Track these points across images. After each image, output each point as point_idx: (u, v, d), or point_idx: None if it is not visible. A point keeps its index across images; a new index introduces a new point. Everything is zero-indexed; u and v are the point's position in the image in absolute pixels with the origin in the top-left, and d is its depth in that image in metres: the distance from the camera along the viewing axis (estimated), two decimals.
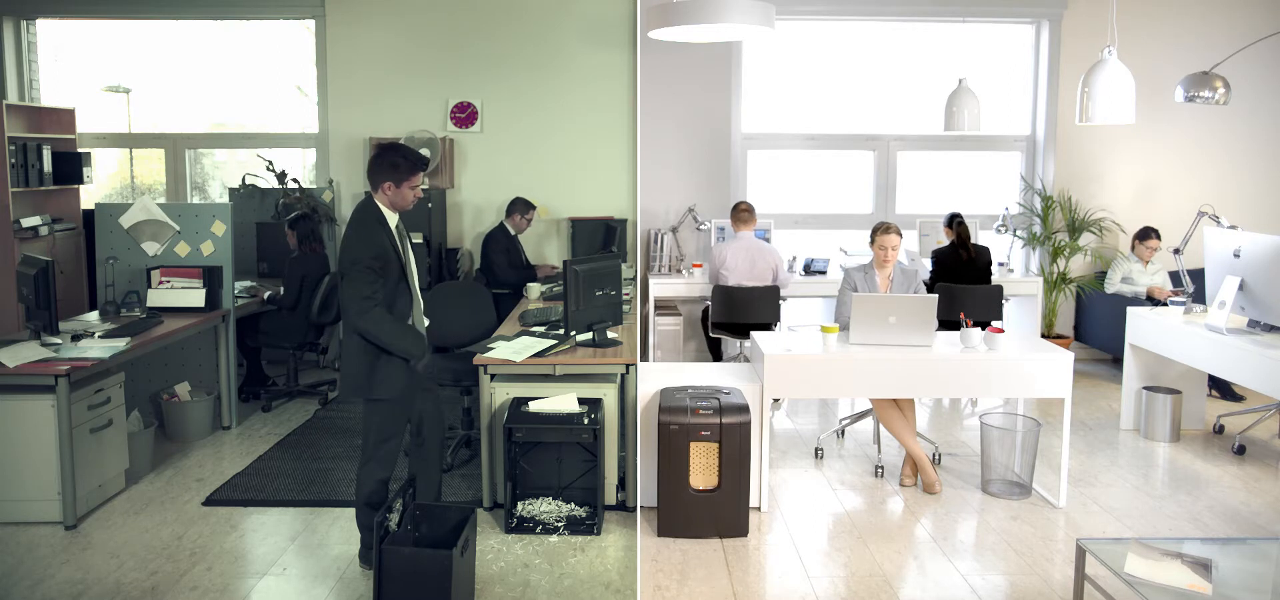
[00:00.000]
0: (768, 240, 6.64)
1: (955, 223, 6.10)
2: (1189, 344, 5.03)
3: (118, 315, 5.19)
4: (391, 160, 3.49)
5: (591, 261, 4.43)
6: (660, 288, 6.79)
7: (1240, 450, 5.15)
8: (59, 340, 4.35)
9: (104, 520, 4.15)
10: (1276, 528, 4.20)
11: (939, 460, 4.98)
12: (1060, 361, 4.32)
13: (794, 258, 6.90)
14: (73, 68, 7.54)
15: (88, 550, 3.85)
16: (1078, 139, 7.34)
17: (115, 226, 5.39)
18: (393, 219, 3.55)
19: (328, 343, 7.06)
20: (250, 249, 6.90)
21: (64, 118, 6.99)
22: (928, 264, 6.33)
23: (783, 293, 6.08)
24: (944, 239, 6.27)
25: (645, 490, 4.27)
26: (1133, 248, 6.75)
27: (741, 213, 6.13)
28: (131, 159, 7.66)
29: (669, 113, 7.28)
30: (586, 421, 3.99)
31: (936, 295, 4.66)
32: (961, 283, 5.94)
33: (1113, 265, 6.84)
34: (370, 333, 3.42)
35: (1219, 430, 5.55)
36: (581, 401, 4.12)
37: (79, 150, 7.01)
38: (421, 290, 3.72)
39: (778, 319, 5.98)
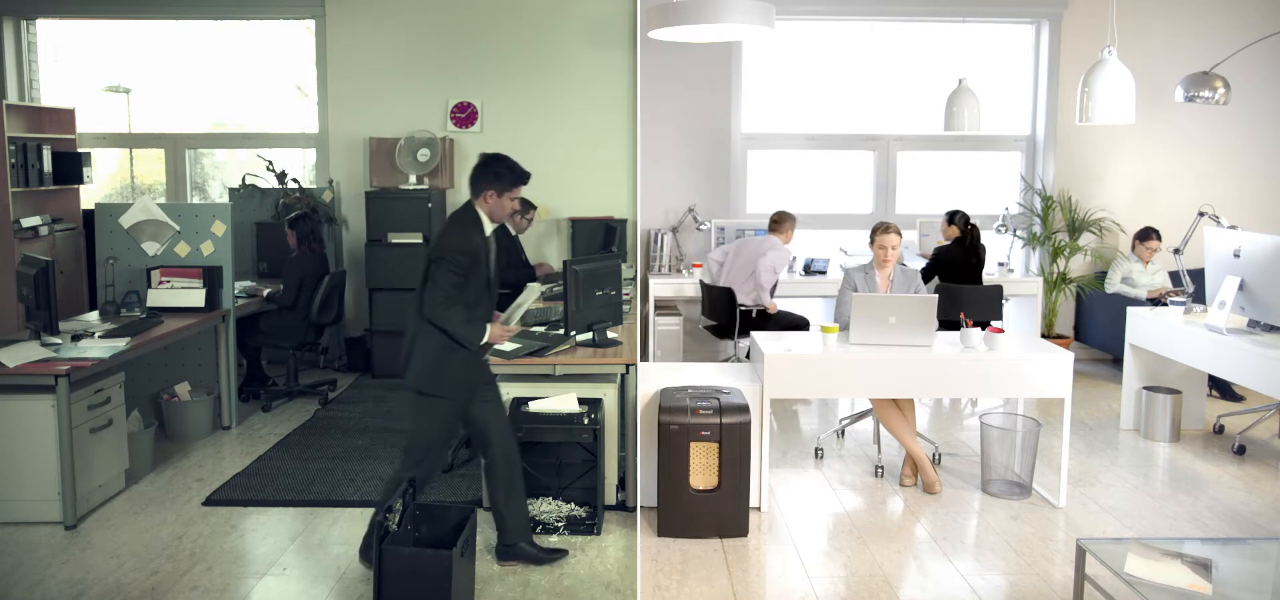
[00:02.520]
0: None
1: (966, 224, 6.08)
2: (1189, 344, 5.03)
3: (118, 315, 5.18)
4: (496, 170, 3.58)
5: (591, 261, 4.43)
6: (660, 288, 6.80)
7: (1240, 450, 5.15)
8: (59, 340, 4.35)
9: (104, 520, 4.15)
10: (1276, 528, 4.20)
11: (939, 460, 4.98)
12: (1060, 361, 4.32)
13: (793, 258, 6.90)
14: (73, 68, 7.54)
15: (88, 550, 3.85)
16: (1078, 139, 7.34)
17: (115, 226, 5.39)
18: (489, 227, 3.65)
19: (328, 343, 7.07)
20: (250, 249, 6.90)
21: (64, 118, 6.99)
22: (922, 262, 6.35)
23: (748, 293, 6.02)
24: (943, 237, 6.26)
25: (645, 490, 4.27)
26: (1133, 248, 6.75)
27: (772, 219, 6.17)
28: (131, 159, 7.66)
29: (669, 113, 7.28)
30: (586, 421, 3.99)
31: (937, 295, 4.66)
32: (961, 282, 5.94)
33: (1113, 265, 6.84)
34: (444, 324, 3.50)
35: (1219, 430, 5.55)
36: (581, 401, 4.12)
37: (79, 150, 7.01)
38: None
39: (732, 322, 5.98)
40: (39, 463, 4.03)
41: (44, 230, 6.61)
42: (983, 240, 6.24)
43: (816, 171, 7.55)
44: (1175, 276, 6.61)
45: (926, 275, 6.08)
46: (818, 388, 4.53)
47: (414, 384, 3.56)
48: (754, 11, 4.86)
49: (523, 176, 3.62)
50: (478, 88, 7.22)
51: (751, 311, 6.01)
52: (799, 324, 6.07)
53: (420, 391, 3.56)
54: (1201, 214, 5.54)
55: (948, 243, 6.15)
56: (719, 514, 3.99)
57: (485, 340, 3.61)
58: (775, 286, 6.21)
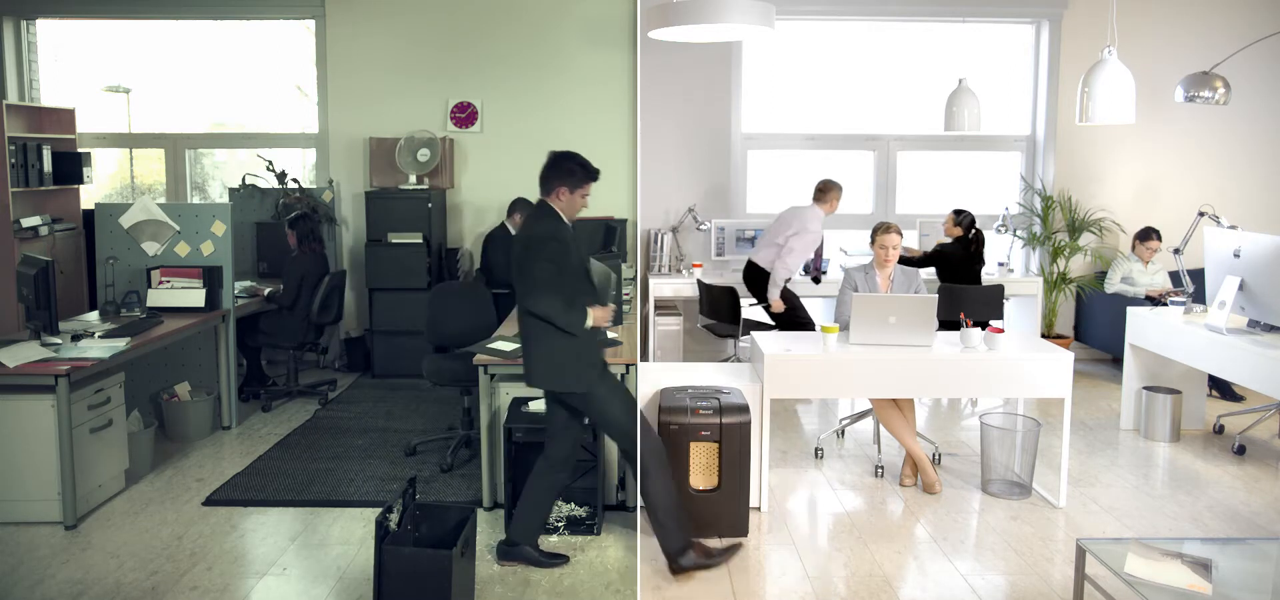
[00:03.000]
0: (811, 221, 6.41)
1: (970, 227, 6.06)
2: (1189, 344, 5.03)
3: (118, 315, 5.19)
4: (568, 167, 3.63)
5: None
6: (660, 288, 6.80)
7: (1240, 450, 5.15)
8: (59, 340, 4.36)
9: (104, 520, 4.15)
10: (1276, 528, 4.20)
11: (939, 460, 4.98)
12: (1060, 361, 4.32)
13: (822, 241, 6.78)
14: (73, 68, 7.54)
15: (88, 550, 3.85)
16: (1078, 139, 7.34)
17: (115, 226, 5.39)
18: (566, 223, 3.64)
19: (328, 342, 7.07)
20: (250, 249, 6.91)
21: (64, 118, 6.99)
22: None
23: (767, 258, 5.97)
24: (946, 234, 6.24)
25: None
26: (1133, 248, 6.75)
27: (817, 186, 6.07)
28: (131, 159, 7.66)
29: (669, 113, 7.28)
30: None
31: (936, 296, 4.66)
32: (961, 282, 5.93)
33: (1113, 265, 6.84)
34: (545, 312, 3.46)
35: (1219, 430, 5.55)
36: None
37: (79, 150, 7.01)
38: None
39: (735, 321, 5.96)
40: (39, 463, 4.03)
41: (44, 230, 6.61)
42: (987, 246, 6.23)
43: (817, 172, 7.53)
44: (1175, 276, 6.61)
45: (923, 263, 6.07)
46: (818, 388, 4.53)
47: (542, 386, 3.55)
48: (754, 11, 4.86)
49: (593, 173, 3.67)
50: (478, 88, 7.22)
51: (763, 283, 5.96)
52: (805, 323, 6.02)
53: (551, 393, 3.55)
54: (1201, 214, 5.54)
55: (950, 241, 6.13)
56: (719, 514, 3.98)
57: (590, 324, 3.55)
58: (819, 261, 6.14)
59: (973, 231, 6.08)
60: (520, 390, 4.21)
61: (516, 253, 3.56)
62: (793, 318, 5.99)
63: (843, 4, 7.22)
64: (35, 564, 3.72)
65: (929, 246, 6.65)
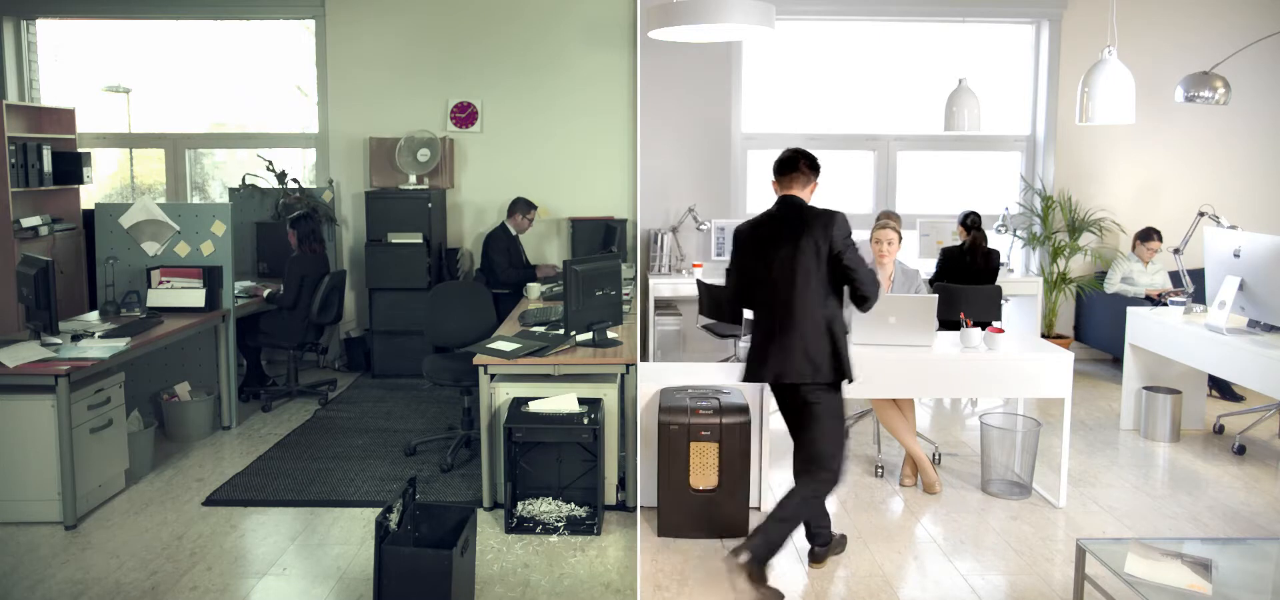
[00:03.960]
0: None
1: (972, 226, 6.05)
2: (1189, 344, 5.03)
3: (118, 315, 5.19)
4: (818, 168, 3.59)
5: (591, 261, 4.44)
6: (660, 287, 6.80)
7: (1240, 450, 5.15)
8: (59, 340, 4.36)
9: (104, 520, 4.15)
10: (1276, 528, 4.20)
11: (939, 460, 4.98)
12: (1060, 361, 4.32)
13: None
14: (73, 68, 7.54)
15: (88, 550, 3.85)
16: (1078, 139, 7.34)
17: (115, 226, 5.39)
18: None
19: (328, 342, 7.07)
20: (250, 249, 6.91)
21: (64, 118, 6.99)
22: (931, 266, 6.32)
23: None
24: (951, 239, 6.23)
25: (645, 490, 4.27)
26: (1133, 248, 6.75)
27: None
28: (131, 159, 7.66)
29: (669, 113, 7.28)
30: (586, 421, 4.00)
31: (936, 295, 4.66)
32: (968, 283, 5.92)
33: (1113, 265, 6.84)
34: (870, 291, 3.47)
35: (1219, 430, 5.55)
36: (581, 401, 4.13)
37: (79, 150, 7.01)
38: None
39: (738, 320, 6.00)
40: (39, 463, 4.03)
41: (44, 230, 6.60)
42: (993, 246, 6.22)
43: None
44: (1175, 276, 6.61)
45: (937, 276, 6.06)
46: None
47: (834, 379, 3.44)
48: (754, 11, 4.86)
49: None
50: (478, 88, 7.22)
51: None
52: None
53: (832, 385, 3.46)
54: (1201, 214, 5.54)
55: (955, 245, 6.12)
56: (719, 514, 3.98)
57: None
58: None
59: (974, 233, 6.07)
60: (520, 390, 4.21)
61: (835, 236, 3.41)
62: None
63: (843, 4, 7.22)
64: (35, 564, 3.72)
65: (931, 248, 6.65)
